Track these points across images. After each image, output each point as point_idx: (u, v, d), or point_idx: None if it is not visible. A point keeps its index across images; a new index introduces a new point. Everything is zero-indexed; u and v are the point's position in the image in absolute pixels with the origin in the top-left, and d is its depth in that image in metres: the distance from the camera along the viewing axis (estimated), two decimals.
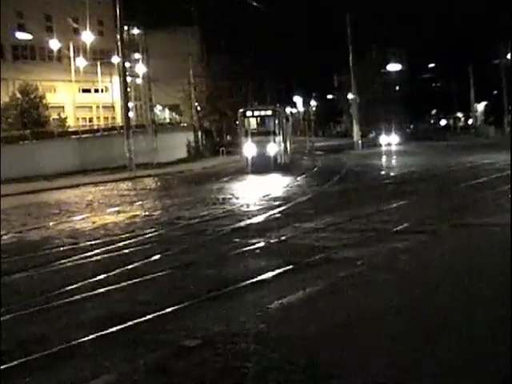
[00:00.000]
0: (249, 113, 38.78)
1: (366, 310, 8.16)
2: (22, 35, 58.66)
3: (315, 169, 36.83)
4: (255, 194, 24.25)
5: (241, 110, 39.31)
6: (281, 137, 37.24)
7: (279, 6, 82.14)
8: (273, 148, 36.32)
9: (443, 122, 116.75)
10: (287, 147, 39.34)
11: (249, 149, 36.48)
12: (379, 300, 8.59)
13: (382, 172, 31.22)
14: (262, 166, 34.76)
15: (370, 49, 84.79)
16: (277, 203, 20.17)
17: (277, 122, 37.38)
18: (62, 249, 14.12)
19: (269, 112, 38.54)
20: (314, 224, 15.32)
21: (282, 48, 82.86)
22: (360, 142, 57.54)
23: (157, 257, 12.23)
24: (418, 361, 6.38)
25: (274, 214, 17.83)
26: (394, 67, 79.90)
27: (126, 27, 55.31)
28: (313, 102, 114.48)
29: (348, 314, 7.97)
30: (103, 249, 13.57)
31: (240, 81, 73.35)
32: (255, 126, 38.29)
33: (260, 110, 39.84)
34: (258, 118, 38.62)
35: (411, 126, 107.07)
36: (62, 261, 12.42)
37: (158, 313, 8.27)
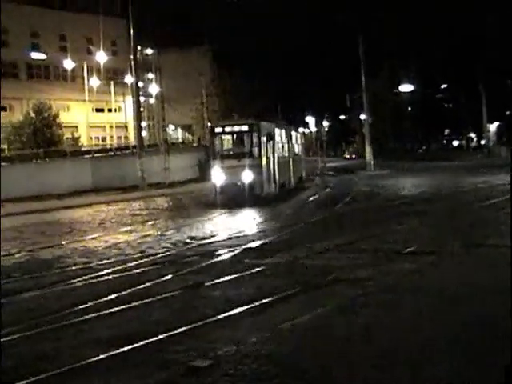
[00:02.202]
0: (218, 129, 29.76)
1: (377, 330, 8.15)
2: (36, 55, 59.21)
3: (327, 189, 36.70)
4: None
5: (209, 125, 32.41)
6: (262, 159, 28.65)
7: (292, 26, 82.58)
8: (249, 175, 27.85)
9: (456, 143, 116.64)
10: (274, 173, 30.56)
11: (217, 176, 28.32)
12: (389, 320, 8.59)
13: (394, 192, 31.16)
14: (234, 198, 27.62)
15: (383, 69, 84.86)
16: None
17: (256, 140, 28.65)
18: (74, 268, 14.18)
19: (244, 127, 29.44)
20: (324, 244, 15.32)
21: (294, 68, 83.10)
22: (372, 162, 57.47)
23: (168, 277, 12.26)
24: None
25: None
26: (406, 88, 79.87)
27: (139, 47, 55.73)
28: (325, 123, 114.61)
29: (358, 334, 7.97)
30: (115, 268, 13.62)
31: (252, 100, 73.61)
32: (229, 146, 30.74)
33: (233, 124, 30.38)
34: (232, 136, 30.67)
35: (423, 147, 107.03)
36: (74, 280, 12.49)
37: (169, 333, 8.29)
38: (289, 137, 37.36)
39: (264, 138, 29.20)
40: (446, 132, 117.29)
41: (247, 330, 8.41)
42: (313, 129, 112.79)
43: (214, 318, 8.92)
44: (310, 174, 48.83)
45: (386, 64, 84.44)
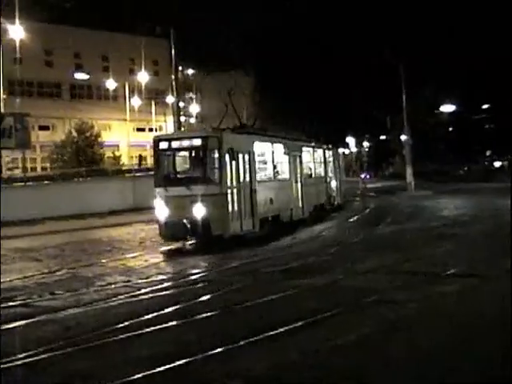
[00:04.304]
0: (164, 144, 21.47)
1: (418, 353, 8.07)
2: (79, 75, 60.10)
3: (367, 210, 36.48)
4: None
5: (154, 139, 22.26)
6: (225, 186, 20.69)
7: (333, 47, 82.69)
8: (200, 208, 20.02)
9: (497, 164, 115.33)
10: (252, 204, 22.27)
11: (159, 209, 20.94)
12: (430, 344, 8.49)
13: (434, 214, 30.84)
14: (182, 239, 21.47)
15: (423, 90, 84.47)
16: None
17: (215, 159, 20.73)
18: (113, 286, 14.30)
19: (197, 142, 21.01)
20: (364, 266, 15.23)
21: (335, 89, 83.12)
22: (413, 183, 57.07)
23: (207, 296, 12.28)
24: None
25: None
26: (447, 108, 79.34)
27: (180, 67, 56.25)
28: (365, 143, 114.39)
29: (399, 357, 7.90)
30: (154, 287, 13.69)
31: (293, 121, 73.65)
32: (178, 168, 22.25)
33: (182, 138, 21.98)
34: (182, 154, 22.35)
35: (464, 168, 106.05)
36: (114, 298, 12.58)
37: (206, 353, 8.27)
38: (310, 155, 31.68)
39: (229, 156, 20.97)
40: (488, 153, 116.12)
41: (284, 351, 8.39)
42: (353, 149, 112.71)
43: (252, 339, 8.89)
44: (350, 195, 48.57)
45: (427, 84, 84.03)
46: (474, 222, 25.24)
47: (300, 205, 28.24)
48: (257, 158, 23.45)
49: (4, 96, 47.60)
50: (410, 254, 16.88)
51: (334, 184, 36.71)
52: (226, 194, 20.72)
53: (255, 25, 64.81)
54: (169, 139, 21.84)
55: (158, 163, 21.98)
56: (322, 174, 34.11)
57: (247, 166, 22.32)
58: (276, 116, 71.08)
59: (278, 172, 25.86)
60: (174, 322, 10.19)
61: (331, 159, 36.92)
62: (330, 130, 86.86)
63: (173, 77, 47.59)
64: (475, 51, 75.34)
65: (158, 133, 70.25)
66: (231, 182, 21.08)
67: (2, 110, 44.76)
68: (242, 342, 8.75)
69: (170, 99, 55.89)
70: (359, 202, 45.55)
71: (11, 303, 12.65)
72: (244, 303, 11.40)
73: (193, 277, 15.12)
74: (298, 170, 28.54)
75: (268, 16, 70.04)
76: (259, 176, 23.45)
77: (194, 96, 68.15)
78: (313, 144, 33.27)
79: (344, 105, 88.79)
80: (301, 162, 29.02)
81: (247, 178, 22.17)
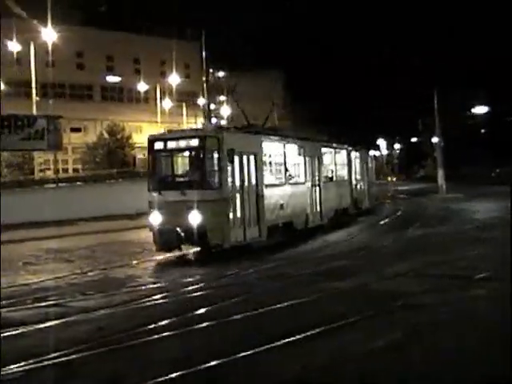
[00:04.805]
0: (159, 144, 19.78)
1: (449, 358, 8.04)
2: (111, 78, 60.50)
3: (398, 213, 36.25)
4: None
5: (149, 138, 20.39)
6: (225, 191, 18.87)
7: (363, 51, 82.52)
8: (196, 215, 18.33)
9: None
10: (259, 211, 20.56)
11: (153, 216, 19.34)
12: (463, 349, 8.45)
13: (465, 217, 30.60)
14: (175, 249, 19.58)
15: (456, 92, 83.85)
16: None
17: (215, 161, 19.04)
18: (143, 287, 14.42)
19: (194, 142, 19.23)
20: (394, 269, 15.17)
21: (365, 92, 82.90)
22: (444, 186, 56.70)
23: (239, 298, 12.33)
24: None
25: None
26: (480, 110, 78.63)
27: (211, 70, 56.46)
28: (396, 145, 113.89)
29: (430, 364, 7.87)
30: (185, 289, 13.77)
31: (324, 124, 73.51)
32: (175, 170, 20.34)
33: (179, 138, 19.80)
34: (179, 154, 20.59)
35: (497, 170, 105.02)
36: (144, 299, 12.68)
37: (234, 356, 8.27)
38: (332, 157, 29.97)
39: (231, 158, 19.02)
40: None
41: (312, 355, 8.40)
42: (384, 152, 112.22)
43: (281, 342, 8.88)
44: (380, 198, 48.31)
45: (460, 86, 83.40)
46: (506, 225, 24.99)
47: (317, 210, 26.23)
48: (266, 160, 21.89)
49: (37, 98, 48.28)
50: (440, 257, 16.79)
51: (361, 187, 35.40)
52: (227, 199, 18.84)
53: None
54: (164, 139, 19.89)
55: (153, 165, 20.13)
56: (346, 176, 32.30)
57: (253, 169, 20.54)
58: (306, 118, 71.05)
59: (290, 175, 23.96)
60: (202, 325, 10.20)
61: (358, 161, 35.44)
62: (360, 132, 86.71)
63: (204, 79, 47.90)
64: (509, 52, 74.62)
65: None
66: (233, 186, 19.29)
67: (35, 112, 45.35)
68: (271, 345, 8.76)
69: (201, 101, 56.20)
70: (389, 204, 45.27)
71: (44, 303, 12.81)
72: (273, 306, 11.40)
73: (223, 279, 15.18)
74: (316, 173, 26.49)
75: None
76: (268, 179, 21.74)
77: (224, 98, 68.13)
78: (334, 145, 31.41)
79: (375, 107, 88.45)
80: (319, 164, 26.96)
81: (253, 182, 20.44)
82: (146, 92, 66.82)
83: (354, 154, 34.51)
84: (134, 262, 19.06)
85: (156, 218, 19.13)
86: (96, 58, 64.78)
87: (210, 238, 18.46)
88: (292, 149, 24.43)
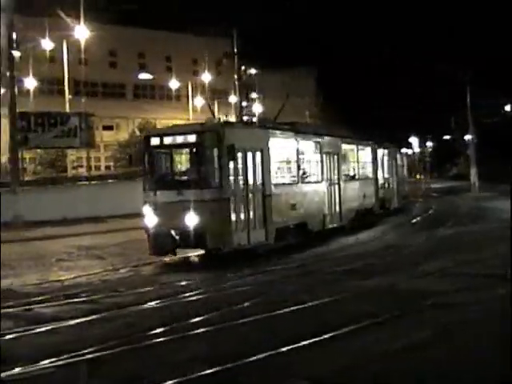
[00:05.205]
0: (155, 140, 18.43)
1: (473, 357, 7.98)
2: (143, 75, 60.79)
3: (430, 212, 35.98)
4: None
5: (144, 135, 20.65)
6: (226, 190, 17.46)
7: (396, 49, 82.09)
8: (195, 217, 17.11)
9: None
10: (265, 212, 19.00)
11: (148, 217, 18.12)
12: (489, 348, 8.36)
13: (497, 215, 30.28)
14: (170, 253, 18.32)
15: (489, 89, 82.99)
16: None
17: (215, 158, 17.63)
18: (175, 284, 14.53)
19: (192, 138, 17.98)
20: (425, 268, 15.08)
21: (398, 90, 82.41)
22: (477, 184, 56.24)
23: (262, 297, 12.29)
24: None
25: None
26: None
27: (243, 67, 56.40)
28: (429, 143, 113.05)
29: (453, 364, 7.82)
30: (211, 288, 13.85)
31: (355, 123, 73.16)
32: (172, 168, 19.16)
33: (175, 133, 18.66)
34: (176, 151, 19.18)
35: None
36: (173, 297, 12.78)
37: (259, 355, 8.20)
38: (354, 154, 28.29)
39: (233, 155, 17.44)
40: None
41: (337, 354, 8.40)
42: (416, 149, 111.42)
43: (308, 341, 8.83)
44: (412, 197, 47.97)
45: (493, 84, 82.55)
46: None
47: (336, 210, 24.46)
48: (274, 157, 20.16)
49: (70, 96, 48.75)
50: (473, 256, 16.65)
51: (389, 185, 34.17)
52: (228, 199, 17.38)
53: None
54: (160, 135, 18.73)
55: (148, 163, 18.79)
56: (371, 174, 30.56)
57: (258, 166, 18.96)
58: (338, 117, 70.80)
59: (304, 173, 22.40)
60: (226, 324, 10.15)
61: (386, 158, 34.11)
62: (390, 130, 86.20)
63: (235, 76, 47.93)
64: None
65: None
66: (235, 186, 17.82)
67: (68, 110, 45.80)
68: (304, 343, 8.72)
69: (233, 99, 56.22)
70: (421, 203, 44.94)
71: (76, 299, 12.93)
72: (301, 305, 11.38)
73: (249, 278, 15.20)
74: (335, 171, 24.72)
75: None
76: (277, 178, 20.35)
77: (256, 96, 68.01)
78: (357, 141, 29.50)
79: (407, 105, 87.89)
80: (338, 161, 25.09)
81: (259, 181, 18.92)
82: (178, 90, 67.05)
83: (382, 151, 33.18)
84: (165, 259, 18.99)
85: (151, 220, 17.91)
86: (128, 56, 65.22)
87: (209, 241, 17.24)
88: (306, 145, 22.94)
